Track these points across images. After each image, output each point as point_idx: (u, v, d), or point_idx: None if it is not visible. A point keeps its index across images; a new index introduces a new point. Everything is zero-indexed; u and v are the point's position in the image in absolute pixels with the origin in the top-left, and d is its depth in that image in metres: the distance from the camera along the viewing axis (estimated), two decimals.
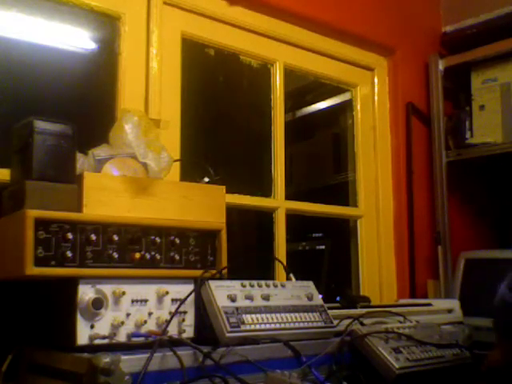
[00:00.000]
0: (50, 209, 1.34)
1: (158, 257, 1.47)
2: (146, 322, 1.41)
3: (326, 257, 2.98)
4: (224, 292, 1.52)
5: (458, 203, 2.85)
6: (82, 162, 1.49)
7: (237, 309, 1.51)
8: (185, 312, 1.49)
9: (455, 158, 2.75)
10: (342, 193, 2.78)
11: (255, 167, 2.66)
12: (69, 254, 1.33)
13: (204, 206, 1.60)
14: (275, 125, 2.40)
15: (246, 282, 1.59)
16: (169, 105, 2.05)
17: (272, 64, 2.43)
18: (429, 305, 2.29)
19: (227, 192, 1.67)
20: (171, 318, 1.44)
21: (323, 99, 3.13)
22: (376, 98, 2.76)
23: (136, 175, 1.52)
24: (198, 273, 1.54)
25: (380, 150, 2.73)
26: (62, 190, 1.39)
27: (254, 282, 1.61)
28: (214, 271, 1.56)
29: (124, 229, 1.43)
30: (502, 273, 1.69)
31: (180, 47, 2.14)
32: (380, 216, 2.68)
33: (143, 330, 1.40)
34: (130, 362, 1.24)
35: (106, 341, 1.34)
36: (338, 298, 2.04)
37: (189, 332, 1.48)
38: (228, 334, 1.45)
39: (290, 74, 2.48)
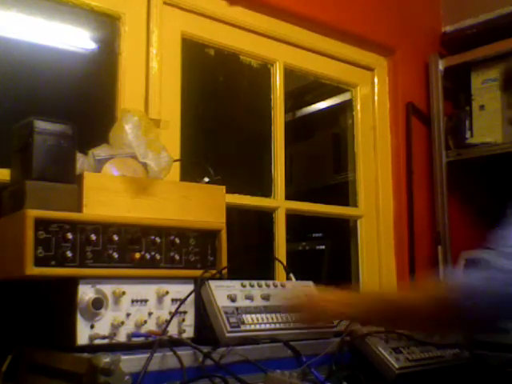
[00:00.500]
0: (50, 209, 1.34)
1: (157, 257, 1.47)
2: (146, 321, 1.41)
3: (326, 257, 2.98)
4: (224, 292, 1.52)
5: (458, 203, 2.85)
6: (81, 161, 1.49)
7: (237, 309, 1.51)
8: (185, 312, 1.49)
9: (455, 157, 2.74)
10: (342, 193, 2.77)
11: (255, 167, 2.66)
12: (69, 253, 1.33)
13: (204, 205, 1.60)
14: (275, 125, 2.39)
15: (246, 282, 1.59)
16: (169, 105, 2.05)
17: (272, 64, 2.43)
18: None
19: (227, 192, 1.67)
20: (171, 318, 1.44)
21: (323, 99, 3.12)
22: (376, 98, 2.75)
23: (136, 175, 1.52)
24: (198, 273, 1.54)
25: (380, 150, 2.73)
26: (62, 190, 1.39)
27: (254, 282, 1.61)
28: (214, 271, 1.56)
29: (124, 229, 1.43)
30: None
31: (180, 47, 2.13)
32: (380, 216, 2.67)
33: (143, 329, 1.40)
34: (130, 362, 1.25)
35: (106, 341, 1.34)
36: None
37: (189, 332, 1.48)
38: (228, 334, 1.45)
39: (289, 74, 2.48)
